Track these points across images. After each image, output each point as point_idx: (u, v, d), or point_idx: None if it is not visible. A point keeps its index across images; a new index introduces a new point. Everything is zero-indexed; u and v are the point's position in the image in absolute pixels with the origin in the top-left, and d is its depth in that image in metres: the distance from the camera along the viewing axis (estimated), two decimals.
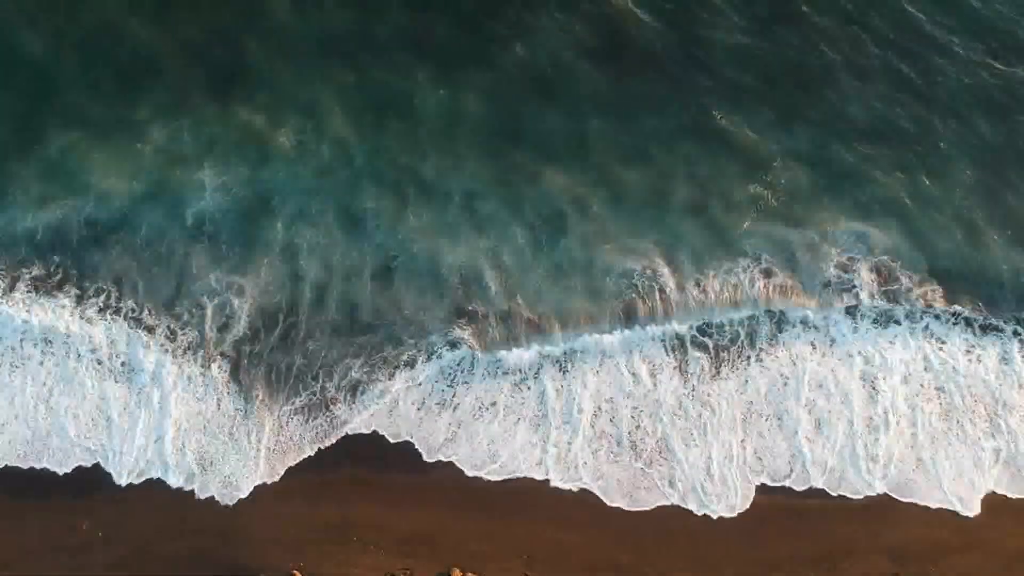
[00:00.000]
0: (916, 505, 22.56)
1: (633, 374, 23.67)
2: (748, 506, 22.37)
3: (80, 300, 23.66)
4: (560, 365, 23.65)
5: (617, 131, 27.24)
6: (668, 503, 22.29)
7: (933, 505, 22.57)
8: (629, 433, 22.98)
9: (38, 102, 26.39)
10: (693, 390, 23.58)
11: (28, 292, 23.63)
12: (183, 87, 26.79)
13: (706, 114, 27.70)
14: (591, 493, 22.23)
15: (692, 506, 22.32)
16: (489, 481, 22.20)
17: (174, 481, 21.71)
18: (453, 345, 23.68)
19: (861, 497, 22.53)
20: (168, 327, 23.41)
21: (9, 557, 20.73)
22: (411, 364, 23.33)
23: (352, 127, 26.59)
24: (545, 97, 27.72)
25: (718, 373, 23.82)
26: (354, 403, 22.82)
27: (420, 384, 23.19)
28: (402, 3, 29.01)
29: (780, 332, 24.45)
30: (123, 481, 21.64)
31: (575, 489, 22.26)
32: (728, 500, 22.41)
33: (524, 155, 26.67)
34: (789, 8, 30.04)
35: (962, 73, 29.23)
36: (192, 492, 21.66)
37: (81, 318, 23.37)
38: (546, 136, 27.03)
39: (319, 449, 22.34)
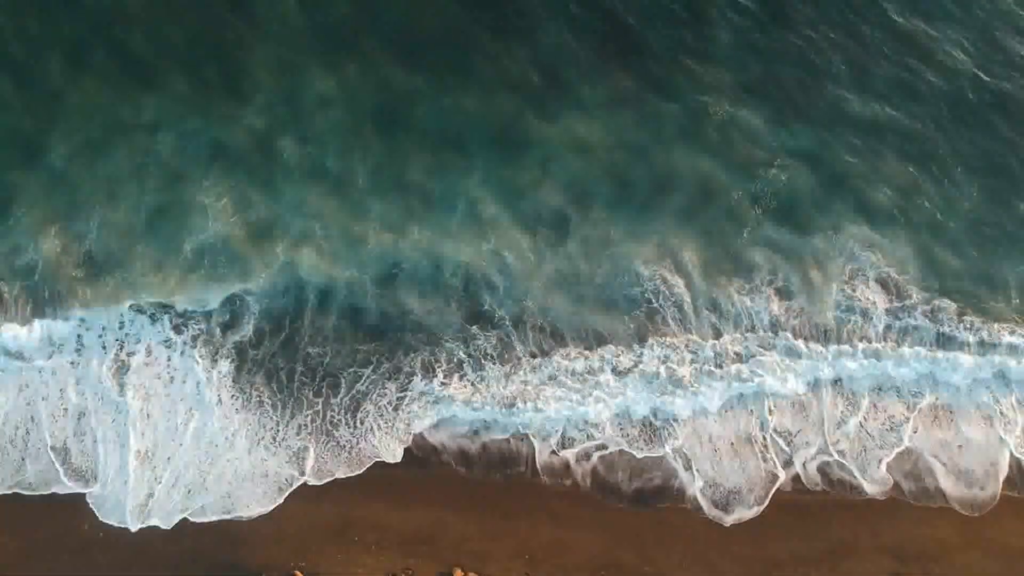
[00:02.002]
0: (917, 504, 22.56)
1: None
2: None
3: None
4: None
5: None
6: (669, 503, 22.31)
7: (935, 504, 22.59)
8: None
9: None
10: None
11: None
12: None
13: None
14: (592, 493, 22.23)
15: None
16: (490, 481, 22.19)
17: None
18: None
19: (863, 496, 22.50)
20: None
21: (9, 558, 20.69)
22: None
23: None
24: (533, 88, 27.18)
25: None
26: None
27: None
28: None
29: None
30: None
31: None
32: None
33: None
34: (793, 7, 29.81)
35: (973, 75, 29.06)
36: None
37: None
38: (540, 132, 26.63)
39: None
